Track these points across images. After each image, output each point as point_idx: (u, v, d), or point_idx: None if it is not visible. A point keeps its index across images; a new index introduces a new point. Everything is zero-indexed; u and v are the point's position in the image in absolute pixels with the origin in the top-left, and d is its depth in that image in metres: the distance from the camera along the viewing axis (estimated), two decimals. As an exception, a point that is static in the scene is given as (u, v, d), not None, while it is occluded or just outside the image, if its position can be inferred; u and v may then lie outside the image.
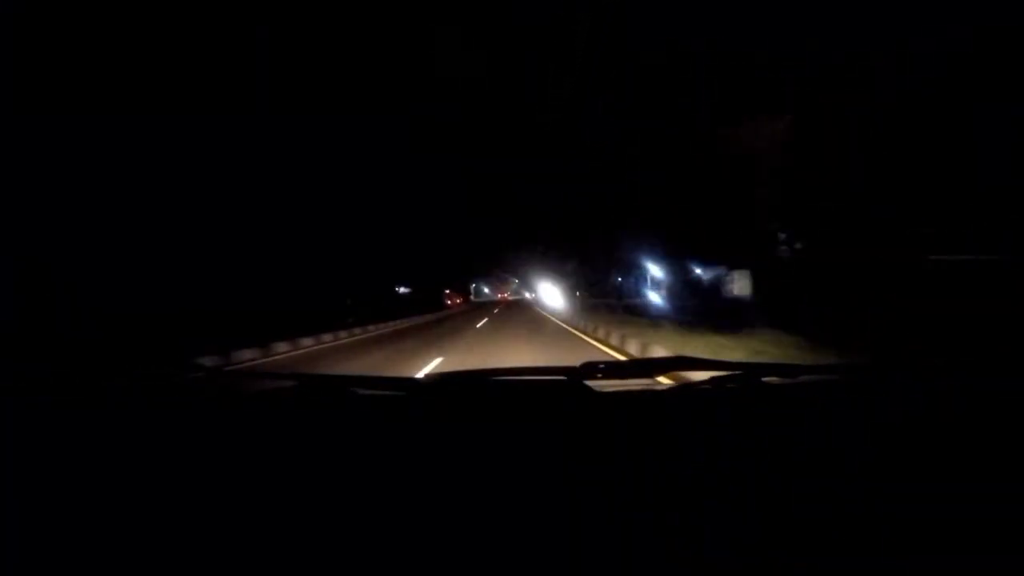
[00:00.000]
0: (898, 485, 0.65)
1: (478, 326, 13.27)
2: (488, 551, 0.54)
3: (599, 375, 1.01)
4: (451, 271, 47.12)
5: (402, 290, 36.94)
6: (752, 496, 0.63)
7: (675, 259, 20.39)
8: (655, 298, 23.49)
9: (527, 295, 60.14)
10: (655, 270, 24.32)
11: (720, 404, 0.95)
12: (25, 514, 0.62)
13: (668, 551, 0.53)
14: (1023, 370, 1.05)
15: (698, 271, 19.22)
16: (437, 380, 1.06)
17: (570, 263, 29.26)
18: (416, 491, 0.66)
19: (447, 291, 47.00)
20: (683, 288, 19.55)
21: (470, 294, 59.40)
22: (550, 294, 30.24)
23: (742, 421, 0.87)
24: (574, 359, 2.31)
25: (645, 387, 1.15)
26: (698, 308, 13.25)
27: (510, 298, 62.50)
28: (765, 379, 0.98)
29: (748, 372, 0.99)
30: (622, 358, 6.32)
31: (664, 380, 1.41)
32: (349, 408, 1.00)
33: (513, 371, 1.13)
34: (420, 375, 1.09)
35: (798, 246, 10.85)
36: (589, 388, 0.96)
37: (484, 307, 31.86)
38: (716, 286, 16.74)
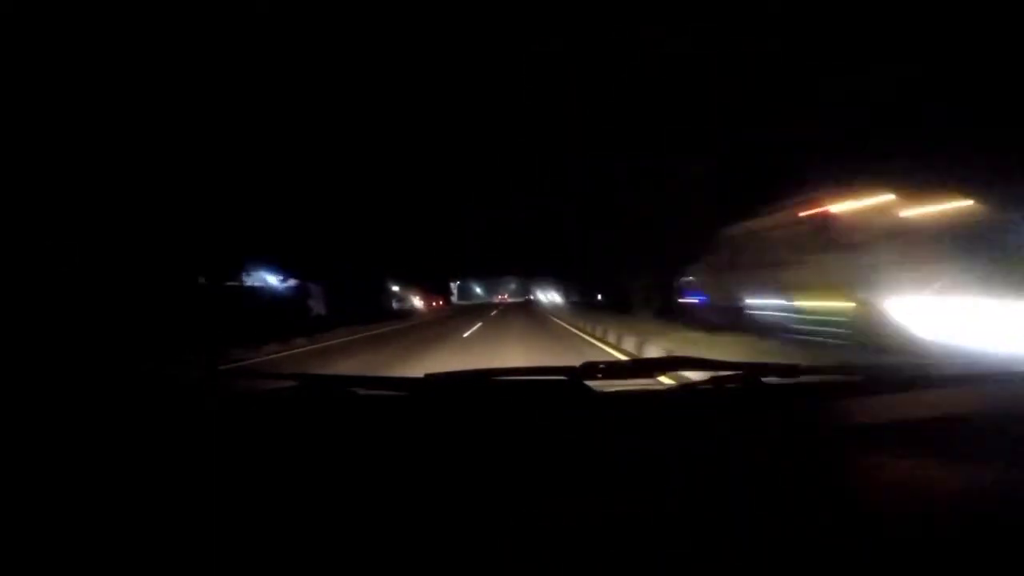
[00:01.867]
0: (899, 485, 0.65)
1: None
2: (488, 551, 0.54)
3: (599, 375, 1.01)
4: (426, 261, 30.05)
5: (275, 283, 17.95)
6: (752, 497, 0.63)
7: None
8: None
9: (532, 297, 47.26)
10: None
11: (720, 404, 0.95)
12: (32, 514, 0.62)
13: (667, 553, 0.53)
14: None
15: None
16: (438, 380, 1.06)
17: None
18: (416, 491, 0.66)
19: (395, 288, 28.30)
20: None
21: (450, 293, 39.74)
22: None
23: (742, 421, 0.87)
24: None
25: (645, 387, 1.15)
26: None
27: (509, 299, 53.73)
28: (765, 379, 0.99)
29: (748, 372, 0.99)
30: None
31: (664, 380, 1.42)
32: (349, 408, 1.00)
33: (514, 371, 1.13)
34: (421, 375, 1.09)
35: None
36: (589, 388, 0.96)
37: (462, 319, 17.81)
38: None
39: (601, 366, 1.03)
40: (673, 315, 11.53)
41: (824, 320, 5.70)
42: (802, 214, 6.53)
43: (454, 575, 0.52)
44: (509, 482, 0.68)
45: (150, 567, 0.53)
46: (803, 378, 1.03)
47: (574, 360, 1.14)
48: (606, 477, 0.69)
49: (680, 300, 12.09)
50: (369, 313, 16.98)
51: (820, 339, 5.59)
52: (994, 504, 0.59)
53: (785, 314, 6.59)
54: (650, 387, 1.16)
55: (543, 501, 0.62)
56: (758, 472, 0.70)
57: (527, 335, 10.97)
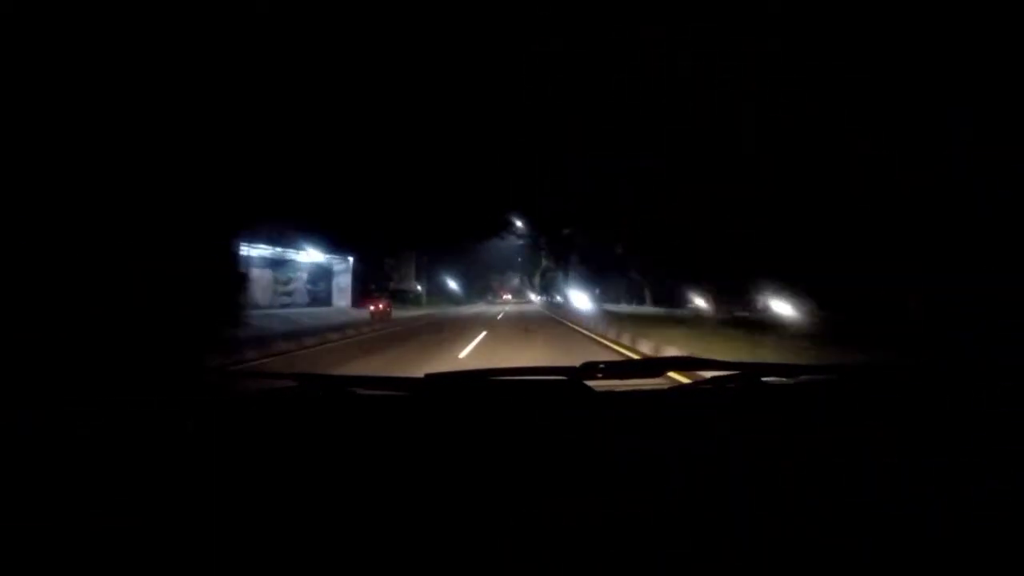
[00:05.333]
0: (898, 485, 0.65)
1: None
2: (488, 551, 0.54)
3: (599, 375, 1.01)
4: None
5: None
6: (752, 497, 0.63)
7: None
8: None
9: (557, 298, 33.18)
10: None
11: (720, 404, 0.95)
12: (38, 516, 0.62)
13: (667, 553, 0.53)
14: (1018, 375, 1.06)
15: None
16: (437, 380, 1.06)
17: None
18: (416, 491, 0.66)
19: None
20: None
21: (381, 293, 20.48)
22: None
23: (742, 421, 0.87)
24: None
25: (645, 387, 1.15)
26: None
27: (511, 301, 44.60)
28: (765, 379, 0.99)
29: (748, 372, 0.99)
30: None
31: (664, 380, 1.42)
32: (349, 408, 1.00)
33: (514, 371, 1.13)
34: (421, 375, 1.09)
35: None
36: (589, 388, 0.96)
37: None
38: None
39: (601, 366, 1.03)
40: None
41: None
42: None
43: (455, 575, 0.52)
44: (509, 482, 0.68)
45: (151, 567, 0.53)
46: (802, 378, 1.03)
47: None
48: (606, 477, 0.69)
49: None
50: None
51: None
52: (992, 503, 0.59)
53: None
54: (650, 387, 1.16)
55: (543, 501, 0.62)
56: (758, 472, 0.70)
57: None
